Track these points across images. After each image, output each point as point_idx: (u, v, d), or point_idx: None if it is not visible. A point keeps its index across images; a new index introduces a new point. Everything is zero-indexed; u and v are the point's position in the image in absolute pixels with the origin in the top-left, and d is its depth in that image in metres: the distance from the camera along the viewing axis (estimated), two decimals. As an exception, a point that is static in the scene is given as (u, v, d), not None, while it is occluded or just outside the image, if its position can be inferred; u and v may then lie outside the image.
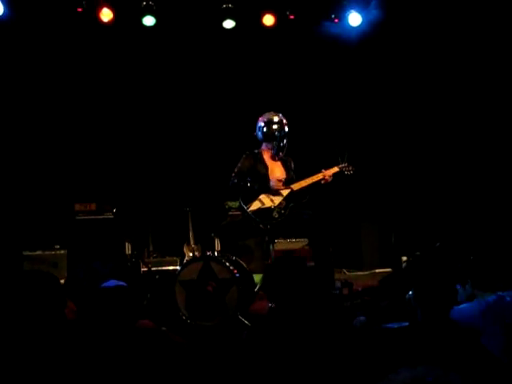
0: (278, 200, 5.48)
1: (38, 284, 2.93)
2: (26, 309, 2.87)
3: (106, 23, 7.25)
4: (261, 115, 5.77)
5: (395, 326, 3.51)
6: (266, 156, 5.71)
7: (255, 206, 5.45)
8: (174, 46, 7.90)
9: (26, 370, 2.69)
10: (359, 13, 7.50)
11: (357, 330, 3.35)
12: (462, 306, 3.32)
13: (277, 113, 5.74)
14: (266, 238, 5.55)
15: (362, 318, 3.57)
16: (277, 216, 5.45)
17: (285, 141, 5.64)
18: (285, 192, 5.51)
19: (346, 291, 5.29)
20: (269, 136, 5.65)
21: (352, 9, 7.52)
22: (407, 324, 3.37)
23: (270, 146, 5.68)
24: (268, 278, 3.62)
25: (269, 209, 5.45)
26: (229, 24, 7.47)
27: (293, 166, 5.80)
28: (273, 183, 5.52)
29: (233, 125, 7.82)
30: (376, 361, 2.81)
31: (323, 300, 4.54)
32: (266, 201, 5.48)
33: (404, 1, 7.39)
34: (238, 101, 8.00)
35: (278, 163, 5.74)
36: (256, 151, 5.74)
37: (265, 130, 5.65)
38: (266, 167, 5.65)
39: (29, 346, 2.79)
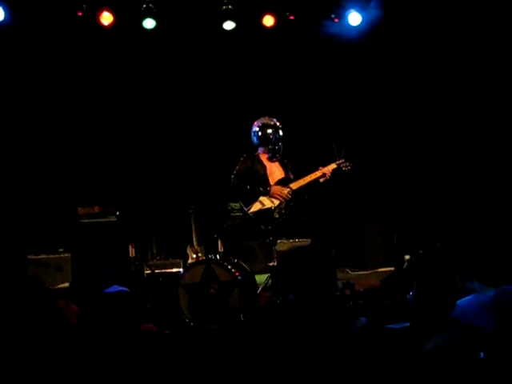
0: (277, 200, 5.53)
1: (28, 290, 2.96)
2: (19, 314, 2.90)
3: (106, 27, 7.28)
4: (255, 120, 5.83)
5: (397, 326, 3.53)
6: (264, 158, 5.78)
7: (255, 207, 5.51)
8: (174, 48, 7.91)
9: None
10: (359, 12, 7.52)
11: (358, 331, 3.37)
12: (460, 301, 3.32)
13: (271, 117, 5.82)
14: (269, 240, 5.57)
15: (362, 319, 3.58)
16: (277, 216, 5.51)
17: (280, 144, 5.72)
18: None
19: (347, 292, 5.31)
20: (264, 140, 5.74)
21: (352, 8, 7.53)
22: (408, 324, 3.38)
23: (265, 149, 5.76)
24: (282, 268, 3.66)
25: (269, 209, 5.51)
26: (229, 25, 7.50)
27: (290, 167, 5.86)
28: (273, 191, 5.55)
29: (234, 126, 7.82)
30: (377, 361, 2.83)
31: (325, 301, 4.57)
32: (266, 202, 5.54)
33: (403, 0, 7.39)
34: (240, 102, 8.01)
35: (276, 163, 5.80)
36: (254, 153, 5.81)
37: (260, 134, 5.74)
38: (264, 168, 5.71)
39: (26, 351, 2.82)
